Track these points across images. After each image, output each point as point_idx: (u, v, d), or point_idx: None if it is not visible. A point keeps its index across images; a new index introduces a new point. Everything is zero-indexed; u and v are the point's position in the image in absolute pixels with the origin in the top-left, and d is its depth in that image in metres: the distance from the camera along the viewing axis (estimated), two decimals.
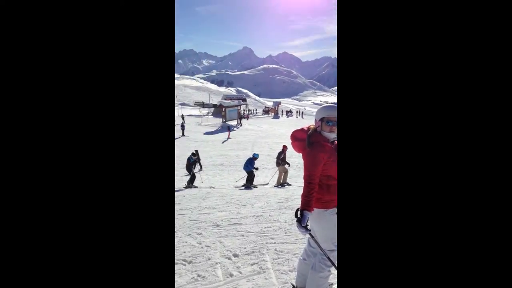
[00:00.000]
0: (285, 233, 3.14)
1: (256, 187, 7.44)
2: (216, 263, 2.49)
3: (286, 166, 7.76)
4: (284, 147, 7.95)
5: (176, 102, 45.38)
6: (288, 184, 7.57)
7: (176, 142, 15.66)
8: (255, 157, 7.93)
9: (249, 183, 7.52)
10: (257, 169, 7.98)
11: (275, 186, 7.56)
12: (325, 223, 1.64)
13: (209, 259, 2.57)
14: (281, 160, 7.72)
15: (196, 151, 9.21)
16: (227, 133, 19.27)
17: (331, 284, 1.97)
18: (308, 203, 1.53)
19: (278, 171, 7.90)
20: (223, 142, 16.67)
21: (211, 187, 7.54)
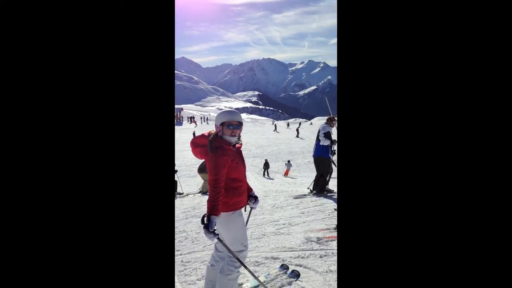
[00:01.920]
0: (192, 242, 3.05)
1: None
2: None
3: None
4: None
5: None
6: None
7: None
8: None
9: None
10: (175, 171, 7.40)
11: (199, 193, 7.22)
12: (233, 225, 1.66)
13: None
14: (204, 166, 7.40)
15: None
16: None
17: (241, 284, 2.01)
18: (214, 207, 1.52)
19: (201, 178, 7.54)
20: None
21: None
